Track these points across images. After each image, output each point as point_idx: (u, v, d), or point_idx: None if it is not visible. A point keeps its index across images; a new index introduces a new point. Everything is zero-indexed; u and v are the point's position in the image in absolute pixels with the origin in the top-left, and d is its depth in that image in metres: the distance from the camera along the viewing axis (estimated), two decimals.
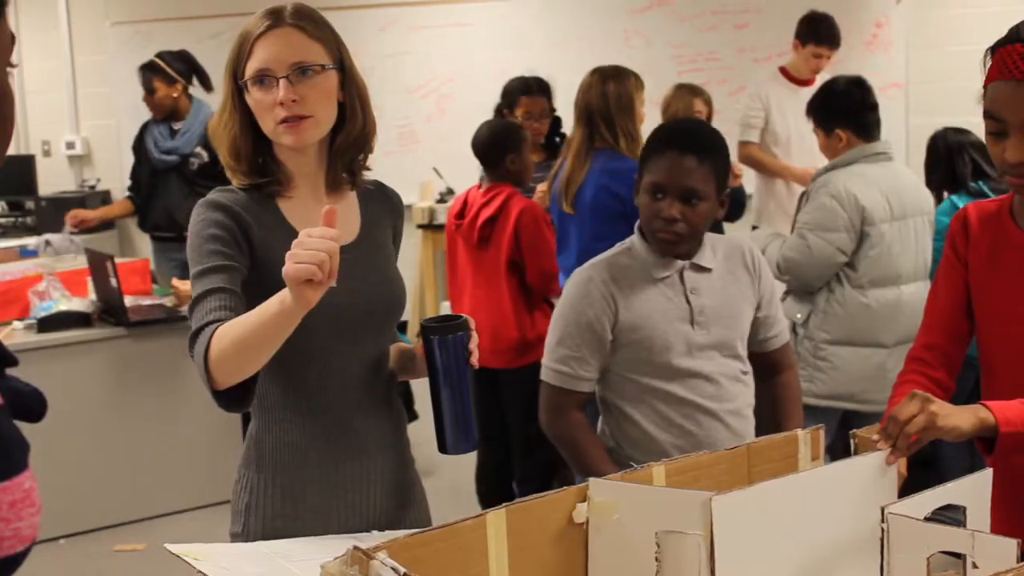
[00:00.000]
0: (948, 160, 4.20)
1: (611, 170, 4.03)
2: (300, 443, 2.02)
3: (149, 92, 5.81)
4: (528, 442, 4.35)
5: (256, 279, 1.96)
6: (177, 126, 5.87)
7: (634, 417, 2.49)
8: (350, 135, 2.05)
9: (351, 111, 2.05)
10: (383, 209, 2.18)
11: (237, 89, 2.00)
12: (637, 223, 2.53)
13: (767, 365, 2.61)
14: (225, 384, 1.84)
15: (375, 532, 1.99)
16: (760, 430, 2.51)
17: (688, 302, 2.44)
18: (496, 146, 4.28)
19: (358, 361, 2.04)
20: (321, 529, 1.99)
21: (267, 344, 1.80)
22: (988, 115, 1.93)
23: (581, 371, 2.49)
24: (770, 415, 2.58)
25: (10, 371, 1.20)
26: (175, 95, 5.80)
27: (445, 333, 1.93)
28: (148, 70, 5.82)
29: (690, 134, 2.46)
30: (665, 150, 2.40)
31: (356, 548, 1.37)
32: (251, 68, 1.98)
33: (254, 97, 1.98)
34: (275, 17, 1.98)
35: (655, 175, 2.40)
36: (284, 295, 1.73)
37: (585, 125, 4.11)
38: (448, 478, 4.84)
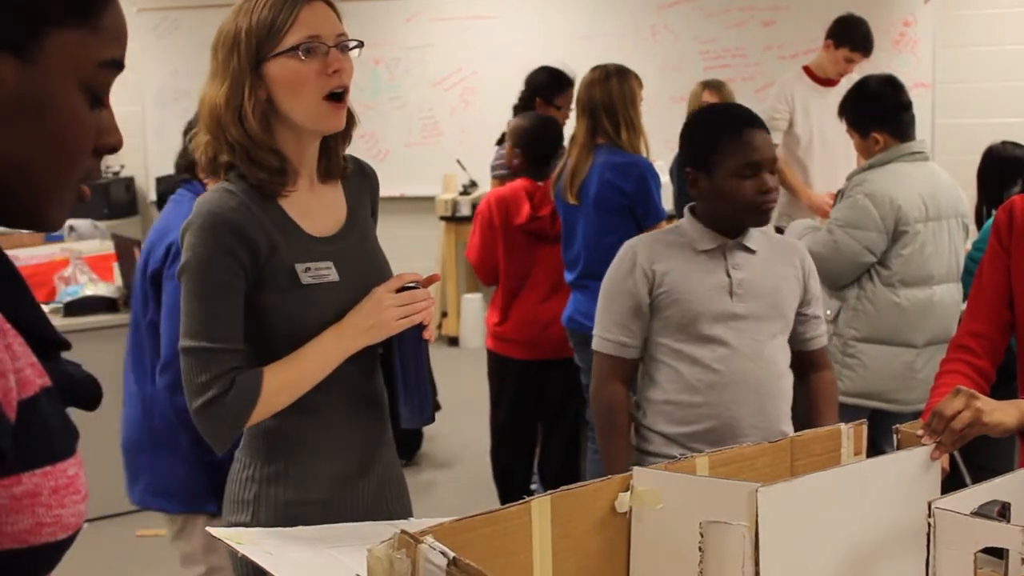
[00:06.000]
0: (1000, 175, 4.03)
1: (614, 165, 4.07)
2: (298, 435, 1.99)
3: None
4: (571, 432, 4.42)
5: (261, 283, 1.91)
6: None
7: (659, 381, 2.53)
8: (350, 124, 2.01)
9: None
10: (363, 186, 2.11)
11: (257, 63, 1.87)
12: (688, 206, 2.57)
13: (805, 363, 2.63)
14: (243, 427, 1.92)
15: (412, 519, 1.98)
16: (796, 427, 2.51)
17: (728, 275, 2.48)
18: (547, 143, 4.40)
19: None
20: (329, 521, 1.92)
21: (317, 379, 1.92)
22: None
23: (624, 338, 2.55)
24: (805, 412, 2.58)
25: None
26: None
27: None
28: None
29: (749, 112, 2.56)
30: (742, 130, 2.45)
31: (404, 532, 1.37)
32: (297, 35, 1.85)
33: (291, 68, 1.85)
34: None
35: (746, 155, 2.43)
36: (338, 336, 1.87)
37: (588, 119, 4.14)
38: (467, 470, 4.80)
